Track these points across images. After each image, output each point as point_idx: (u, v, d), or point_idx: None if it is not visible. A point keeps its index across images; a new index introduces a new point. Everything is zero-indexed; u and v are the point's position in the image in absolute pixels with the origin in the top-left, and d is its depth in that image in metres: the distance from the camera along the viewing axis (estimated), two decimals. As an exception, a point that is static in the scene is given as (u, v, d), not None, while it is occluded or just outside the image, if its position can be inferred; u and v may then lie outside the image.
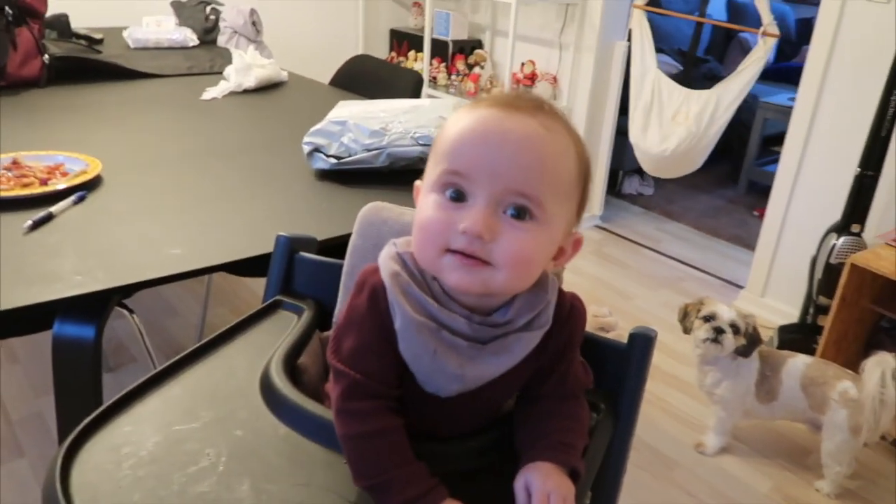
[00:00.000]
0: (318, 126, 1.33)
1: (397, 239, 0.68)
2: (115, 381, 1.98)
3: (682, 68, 3.88)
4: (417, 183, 0.68)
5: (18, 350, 2.17)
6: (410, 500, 0.59)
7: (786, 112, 3.31)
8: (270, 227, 1.08)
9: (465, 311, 0.63)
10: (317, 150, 1.31)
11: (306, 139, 1.32)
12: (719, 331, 1.68)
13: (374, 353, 0.64)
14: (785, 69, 4.43)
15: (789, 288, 2.48)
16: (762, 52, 2.57)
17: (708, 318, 1.70)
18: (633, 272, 2.86)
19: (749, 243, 3.01)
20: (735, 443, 1.91)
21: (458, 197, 0.60)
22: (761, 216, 3.28)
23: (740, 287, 2.72)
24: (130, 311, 1.57)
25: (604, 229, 3.28)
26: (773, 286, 2.57)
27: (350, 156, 1.29)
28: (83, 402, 1.05)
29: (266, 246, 1.01)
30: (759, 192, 3.69)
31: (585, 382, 0.72)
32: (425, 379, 0.64)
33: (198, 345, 0.81)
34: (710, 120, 2.65)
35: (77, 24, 2.35)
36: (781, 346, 2.17)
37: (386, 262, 0.65)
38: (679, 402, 2.06)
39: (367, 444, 0.62)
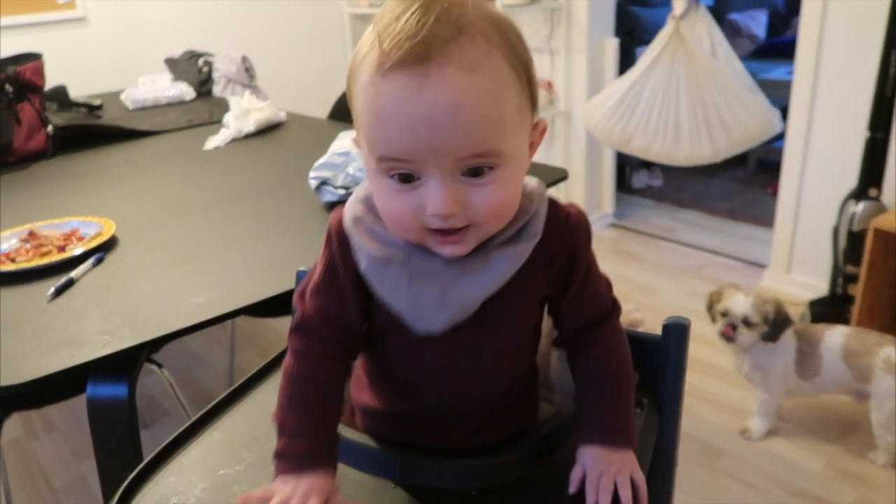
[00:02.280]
0: (322, 160, 1.34)
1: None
2: (151, 436, 1.98)
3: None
4: (355, 137, 0.62)
5: (54, 418, 2.18)
6: (282, 452, 0.59)
7: (785, 86, 3.29)
8: (288, 264, 1.08)
9: None
10: (324, 183, 1.32)
11: (312, 174, 1.33)
12: (732, 327, 1.67)
13: (330, 292, 0.63)
14: (779, 44, 4.41)
15: (814, 261, 2.45)
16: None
17: (724, 314, 1.68)
18: (653, 265, 2.84)
19: (767, 222, 2.97)
20: (781, 423, 1.87)
21: (407, 179, 0.55)
22: (775, 193, 3.25)
23: (764, 266, 2.69)
24: (159, 366, 1.59)
25: (618, 226, 3.26)
26: (797, 261, 2.54)
27: (357, 185, 1.29)
28: (124, 461, 1.06)
29: (286, 284, 1.02)
30: (770, 170, 3.66)
31: (604, 297, 0.68)
32: (411, 316, 0.61)
33: (230, 389, 0.81)
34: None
35: (75, 93, 2.40)
36: (814, 320, 2.14)
37: (350, 207, 0.63)
38: (718, 390, 2.03)
39: (291, 383, 0.62)
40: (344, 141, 1.40)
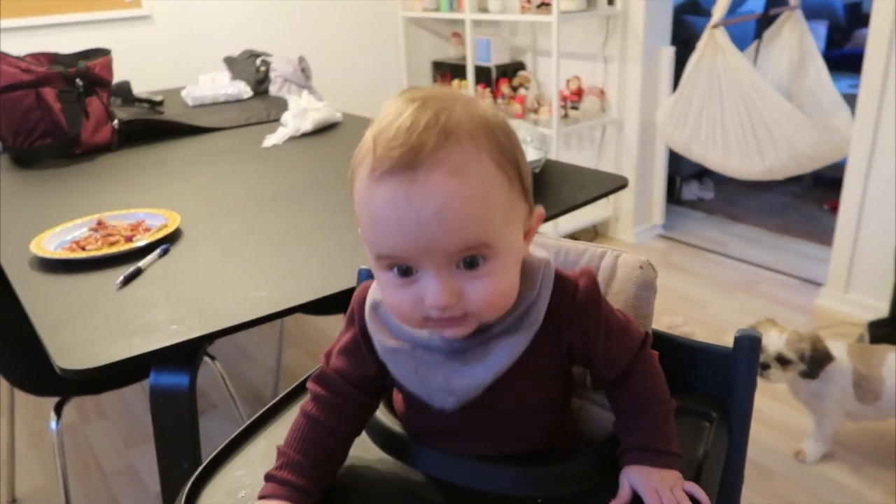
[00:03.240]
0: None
1: None
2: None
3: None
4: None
5: (105, 405, 2.24)
6: (271, 474, 0.65)
7: (848, 99, 3.20)
8: (349, 261, 1.09)
9: None
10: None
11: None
12: (764, 366, 1.63)
13: (354, 357, 0.68)
14: (839, 56, 4.29)
15: (874, 281, 2.37)
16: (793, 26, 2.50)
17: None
18: (703, 279, 2.78)
19: (823, 238, 2.90)
20: (838, 448, 1.81)
21: (406, 272, 0.58)
22: (832, 209, 3.16)
23: (820, 284, 2.61)
24: (212, 358, 1.62)
25: (668, 238, 3.21)
26: (856, 280, 2.46)
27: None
28: (182, 449, 1.07)
29: (349, 281, 1.02)
30: (827, 185, 3.56)
31: (632, 343, 0.67)
32: (425, 396, 0.65)
33: (296, 384, 0.82)
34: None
35: (138, 89, 2.46)
36: (873, 342, 2.07)
37: (371, 293, 0.67)
38: (771, 410, 1.98)
39: (300, 419, 0.68)
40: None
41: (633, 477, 0.63)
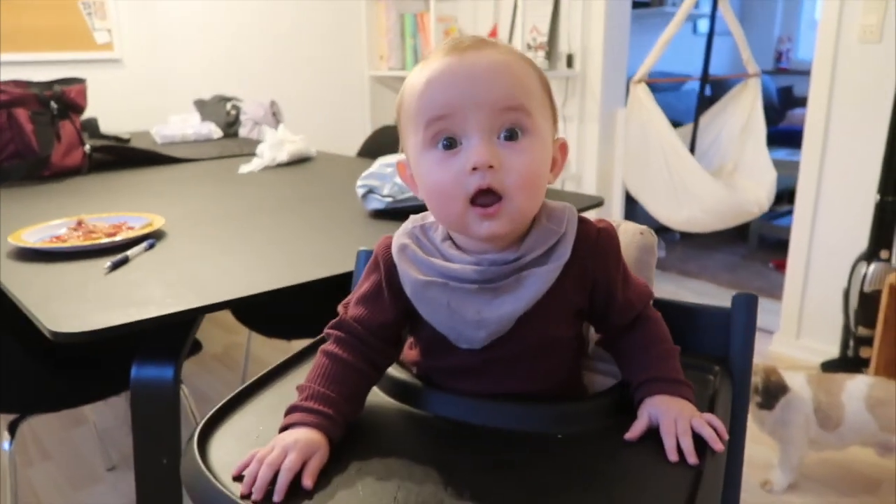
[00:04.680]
0: (370, 170, 1.38)
1: (416, 215, 0.72)
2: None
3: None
4: (400, 161, 0.72)
5: (49, 447, 2.11)
6: (294, 405, 0.63)
7: (787, 166, 3.42)
8: (339, 256, 1.10)
9: (474, 257, 0.65)
10: (370, 191, 1.35)
11: (360, 182, 1.36)
12: None
13: (374, 305, 0.68)
14: (774, 132, 4.60)
15: (823, 326, 2.47)
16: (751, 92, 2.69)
17: None
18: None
19: (772, 293, 3.02)
20: (803, 480, 1.84)
21: (451, 144, 0.62)
22: (777, 267, 3.32)
23: (772, 332, 2.71)
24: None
25: (625, 291, 3.29)
26: (806, 326, 2.56)
27: (403, 194, 1.33)
28: (162, 445, 1.03)
29: (345, 267, 1.03)
30: (771, 246, 3.75)
31: (647, 294, 0.73)
32: (453, 335, 0.66)
33: (306, 346, 0.81)
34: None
35: (104, 128, 2.46)
36: (829, 381, 2.14)
37: (397, 238, 0.69)
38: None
39: (321, 358, 0.67)
40: (391, 157, 1.44)
41: (653, 407, 0.64)
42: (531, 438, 0.64)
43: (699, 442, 0.61)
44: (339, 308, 0.71)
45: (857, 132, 2.28)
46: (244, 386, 0.72)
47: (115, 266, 1.06)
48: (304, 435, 0.59)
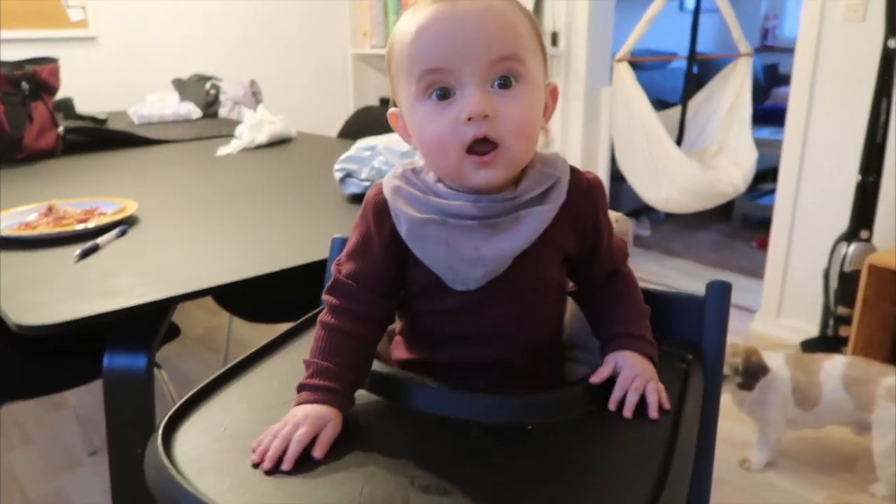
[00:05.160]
0: (348, 153, 1.36)
1: (405, 161, 0.71)
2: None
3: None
4: (393, 111, 0.71)
5: (31, 430, 2.10)
6: (304, 383, 0.64)
7: (771, 145, 3.42)
8: (315, 242, 1.08)
9: (472, 195, 0.65)
10: (348, 175, 1.33)
11: (338, 166, 1.35)
12: None
13: (365, 257, 0.68)
14: (759, 111, 4.59)
15: (804, 305, 2.49)
16: (742, 71, 2.67)
17: None
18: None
19: (754, 272, 3.04)
20: (781, 458, 1.86)
21: (445, 94, 0.62)
22: (760, 246, 3.34)
23: (754, 311, 2.73)
24: (158, 367, 1.55)
25: (609, 271, 3.30)
26: (787, 305, 2.58)
27: (381, 177, 1.31)
28: (136, 435, 1.02)
29: (320, 254, 1.02)
30: (755, 225, 3.76)
31: (624, 249, 0.75)
32: (449, 275, 0.66)
33: (276, 336, 0.80)
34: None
35: (81, 109, 2.41)
36: (808, 360, 2.16)
37: (388, 181, 0.69)
38: (719, 424, 2.02)
39: (327, 331, 0.67)
40: (369, 140, 1.42)
41: (621, 358, 0.67)
42: (501, 430, 0.64)
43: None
44: (332, 268, 0.71)
45: (840, 112, 2.28)
46: (211, 378, 0.71)
47: (85, 254, 1.04)
48: (314, 410, 0.61)
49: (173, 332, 1.58)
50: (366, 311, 0.68)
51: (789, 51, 2.45)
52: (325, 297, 0.69)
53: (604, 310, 0.73)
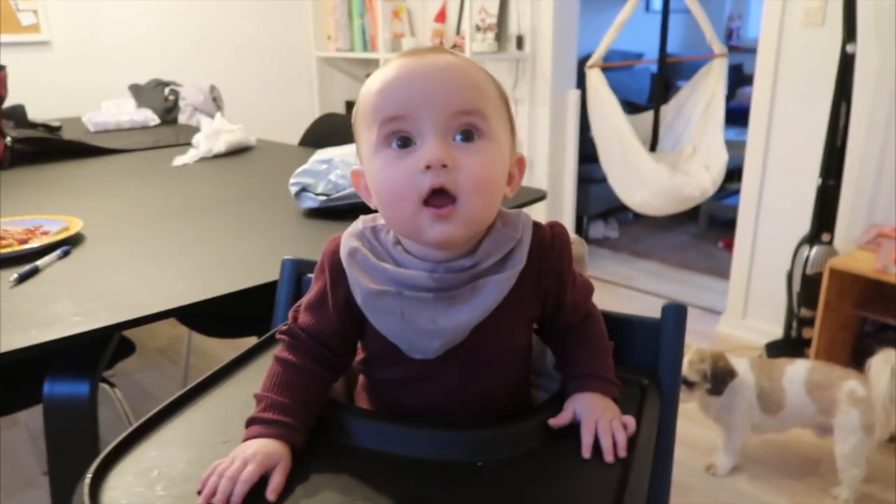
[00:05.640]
0: (303, 167, 1.32)
1: (366, 215, 0.69)
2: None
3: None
4: (355, 169, 0.69)
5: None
6: (253, 417, 0.62)
7: (735, 146, 3.45)
8: (266, 261, 1.05)
9: (429, 264, 0.63)
10: (304, 189, 1.30)
11: (293, 180, 1.31)
12: None
13: (320, 313, 0.66)
14: (726, 111, 4.64)
15: (769, 307, 2.52)
16: (717, 72, 2.68)
17: None
18: (614, 309, 2.86)
19: (721, 273, 3.06)
20: (745, 462, 1.87)
21: (405, 143, 0.60)
22: (726, 247, 3.36)
23: (719, 313, 2.74)
24: (112, 385, 1.50)
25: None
26: (752, 308, 2.60)
27: (338, 192, 1.28)
28: (80, 466, 0.98)
29: (270, 276, 0.98)
30: (721, 226, 3.80)
31: (589, 290, 0.73)
32: (406, 344, 0.64)
33: (217, 369, 0.77)
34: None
35: (33, 115, 2.33)
36: (773, 362, 2.18)
37: (345, 241, 0.66)
38: (683, 429, 1.99)
39: (275, 366, 0.65)
40: (326, 152, 1.38)
41: (579, 405, 0.66)
42: (450, 467, 0.62)
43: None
44: (291, 312, 0.69)
45: (802, 115, 2.30)
46: (147, 417, 0.68)
47: (23, 278, 0.99)
48: (265, 446, 0.59)
49: (127, 349, 1.53)
50: (321, 358, 0.67)
51: (753, 51, 2.46)
52: (279, 336, 0.68)
53: (567, 350, 0.72)
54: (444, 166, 0.58)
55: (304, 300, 0.68)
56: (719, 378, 1.70)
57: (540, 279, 0.66)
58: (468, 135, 0.60)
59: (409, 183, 0.59)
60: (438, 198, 0.59)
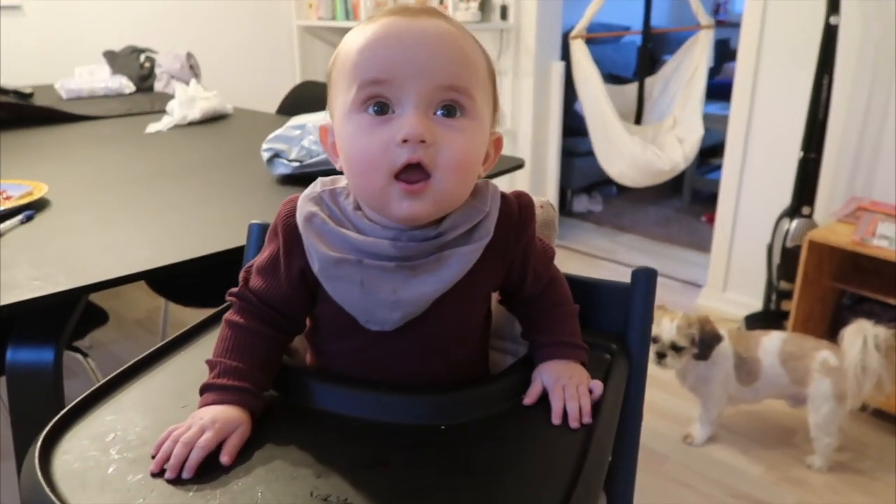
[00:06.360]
0: (276, 132, 1.30)
1: (325, 177, 0.66)
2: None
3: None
4: (323, 125, 0.66)
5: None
6: (207, 384, 0.60)
7: (719, 120, 3.43)
8: (237, 225, 1.03)
9: (392, 231, 0.60)
10: (276, 155, 1.27)
11: (265, 145, 1.28)
12: (660, 355, 1.70)
13: (272, 278, 0.63)
14: (711, 86, 4.60)
15: (748, 280, 2.53)
16: (702, 45, 2.65)
17: (654, 340, 1.70)
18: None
19: (702, 247, 3.07)
20: (722, 431, 1.89)
21: (383, 110, 0.57)
22: (709, 221, 3.37)
23: (700, 286, 2.76)
24: (85, 355, 1.48)
25: (560, 247, 3.29)
26: (732, 280, 2.61)
27: (312, 158, 1.25)
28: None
29: (237, 241, 0.96)
30: (704, 200, 3.80)
31: (550, 256, 0.72)
32: (364, 315, 0.61)
33: (179, 333, 0.75)
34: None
35: (3, 81, 2.27)
36: (751, 334, 2.19)
37: (302, 205, 0.63)
38: (660, 400, 2.04)
39: (226, 330, 0.63)
40: (301, 118, 1.36)
41: (546, 374, 0.65)
42: (413, 431, 0.61)
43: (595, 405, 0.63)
44: (242, 274, 0.66)
45: (785, 88, 2.29)
46: (104, 380, 0.66)
47: (-18, 243, 0.97)
48: (223, 413, 0.57)
49: (100, 317, 1.51)
50: (272, 321, 0.64)
51: (739, 26, 2.44)
52: (230, 298, 0.65)
53: (532, 318, 0.71)
54: (423, 142, 0.56)
55: (256, 262, 0.65)
56: (706, 342, 1.70)
57: (505, 252, 0.65)
58: (450, 110, 0.58)
59: (382, 154, 0.56)
60: (411, 172, 0.56)
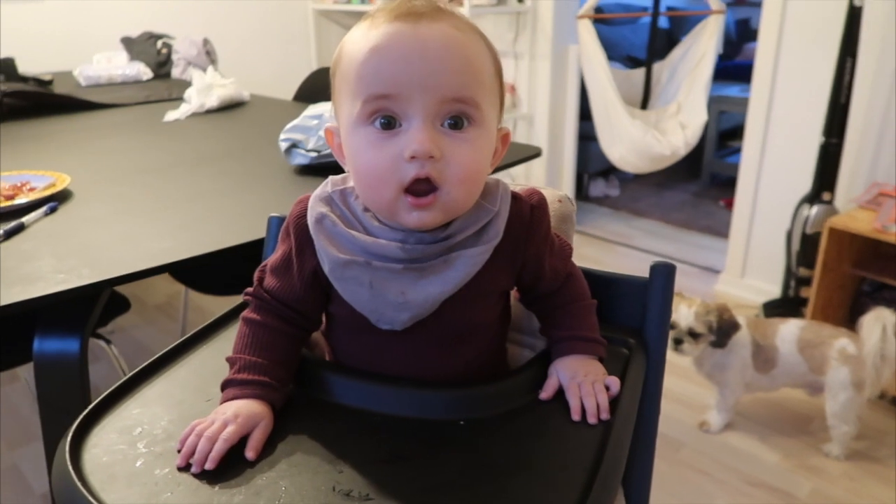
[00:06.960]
0: (294, 122, 1.30)
1: (335, 176, 0.66)
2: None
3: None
4: (329, 127, 0.66)
5: (-15, 405, 2.05)
6: (229, 380, 0.61)
7: (739, 102, 3.39)
8: (257, 217, 1.04)
9: (400, 233, 0.61)
10: (294, 146, 1.28)
11: (283, 136, 1.29)
12: (678, 341, 1.70)
13: (285, 278, 0.64)
14: (731, 67, 4.56)
15: (767, 266, 2.51)
16: (711, 29, 2.61)
17: (672, 326, 1.70)
18: (611, 268, 2.82)
19: (720, 232, 3.04)
20: (738, 418, 1.89)
21: (389, 123, 0.57)
22: (727, 206, 3.34)
23: (718, 272, 2.74)
24: (108, 342, 1.50)
25: (576, 232, 3.28)
26: (751, 266, 2.59)
27: (328, 148, 1.26)
28: (72, 421, 0.98)
29: (257, 233, 0.98)
30: (723, 184, 3.76)
31: (568, 253, 0.72)
32: (374, 315, 0.62)
33: (200, 327, 0.76)
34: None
35: (24, 69, 2.29)
36: (769, 321, 2.18)
37: (313, 206, 0.63)
38: (676, 386, 2.04)
39: (244, 327, 0.64)
40: (318, 107, 1.36)
41: (561, 370, 0.65)
42: (432, 426, 0.61)
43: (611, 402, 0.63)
44: (256, 273, 0.67)
45: (807, 71, 2.25)
46: (130, 374, 0.68)
47: (9, 235, 0.99)
48: (245, 407, 0.58)
49: (121, 305, 1.54)
50: (289, 319, 0.65)
51: (761, 5, 2.40)
52: (246, 297, 0.66)
53: (549, 314, 0.71)
54: (431, 157, 0.56)
55: (270, 261, 0.66)
56: (724, 330, 1.70)
57: (516, 252, 0.65)
58: (457, 121, 0.58)
59: (390, 169, 0.57)
60: (420, 185, 0.57)
